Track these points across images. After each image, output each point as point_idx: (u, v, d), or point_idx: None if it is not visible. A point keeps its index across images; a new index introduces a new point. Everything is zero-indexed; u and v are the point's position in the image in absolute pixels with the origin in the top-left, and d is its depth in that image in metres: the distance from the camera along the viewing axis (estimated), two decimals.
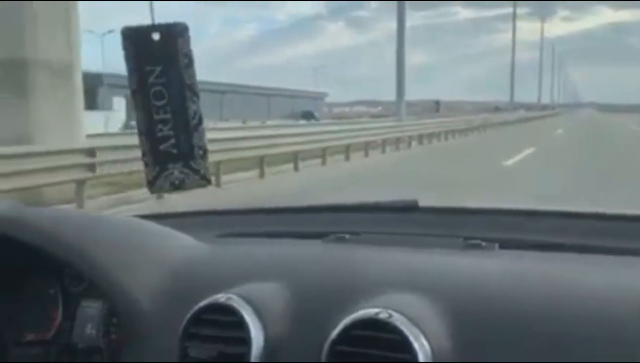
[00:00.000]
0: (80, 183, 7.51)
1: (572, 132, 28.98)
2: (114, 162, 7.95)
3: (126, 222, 1.01)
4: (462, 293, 0.74)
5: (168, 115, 0.82)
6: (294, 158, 12.21)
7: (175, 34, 0.82)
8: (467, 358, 0.67)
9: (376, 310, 0.69)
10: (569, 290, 0.75)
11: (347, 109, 75.93)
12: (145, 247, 0.91)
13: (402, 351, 0.66)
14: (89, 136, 9.16)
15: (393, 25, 25.88)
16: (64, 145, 7.46)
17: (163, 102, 0.81)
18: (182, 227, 1.01)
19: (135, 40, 0.82)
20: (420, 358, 0.66)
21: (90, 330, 0.90)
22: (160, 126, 0.82)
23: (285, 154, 12.00)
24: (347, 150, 14.53)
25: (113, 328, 0.89)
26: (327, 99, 71.19)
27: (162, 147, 0.82)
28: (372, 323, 0.68)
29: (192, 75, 0.82)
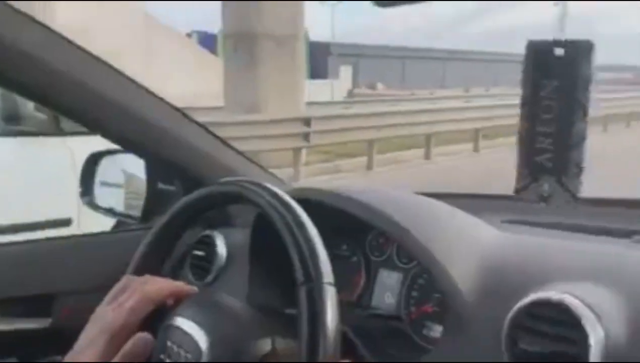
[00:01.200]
0: (297, 150, 7.96)
1: None
2: (329, 131, 8.26)
3: (421, 199, 1.02)
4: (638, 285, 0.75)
5: (551, 129, 0.83)
6: None
7: (578, 51, 0.81)
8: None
9: None
10: None
11: None
12: (452, 226, 0.92)
13: None
14: (309, 104, 9.63)
15: None
16: (283, 114, 7.95)
17: (550, 116, 0.83)
18: (461, 208, 0.99)
19: (537, 54, 0.83)
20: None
21: (389, 299, 0.96)
22: (541, 138, 0.84)
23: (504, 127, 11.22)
24: None
25: (412, 301, 0.93)
26: None
27: (537, 158, 0.84)
28: None
29: (587, 96, 0.82)
